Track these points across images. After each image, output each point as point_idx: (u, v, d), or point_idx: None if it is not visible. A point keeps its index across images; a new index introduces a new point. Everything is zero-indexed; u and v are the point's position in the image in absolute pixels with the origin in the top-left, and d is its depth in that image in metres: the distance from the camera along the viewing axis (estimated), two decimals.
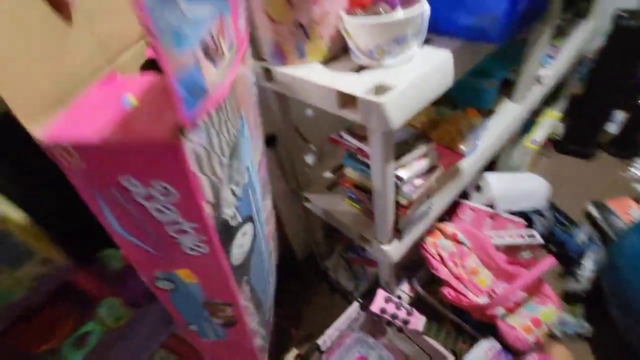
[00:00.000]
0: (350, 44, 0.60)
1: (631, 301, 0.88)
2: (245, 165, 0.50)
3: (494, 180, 1.20)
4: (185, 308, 0.56)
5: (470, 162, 0.98)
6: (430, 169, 0.75)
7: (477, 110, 1.09)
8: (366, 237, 0.84)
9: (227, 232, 0.46)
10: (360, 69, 0.61)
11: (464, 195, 1.28)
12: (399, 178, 0.69)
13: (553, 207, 1.30)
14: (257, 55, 0.72)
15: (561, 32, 1.35)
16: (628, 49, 1.30)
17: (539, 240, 1.11)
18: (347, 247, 1.28)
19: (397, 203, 0.74)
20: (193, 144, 0.33)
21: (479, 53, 0.66)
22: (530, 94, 1.15)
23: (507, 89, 1.15)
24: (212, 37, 0.35)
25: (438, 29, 0.65)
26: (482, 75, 1.11)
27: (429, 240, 1.04)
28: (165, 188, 0.36)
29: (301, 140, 1.04)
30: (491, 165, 1.34)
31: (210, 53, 0.35)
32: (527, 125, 1.38)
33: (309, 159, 1.13)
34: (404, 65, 0.59)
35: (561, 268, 1.19)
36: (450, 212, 1.21)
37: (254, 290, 0.62)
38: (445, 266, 1.01)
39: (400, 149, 0.72)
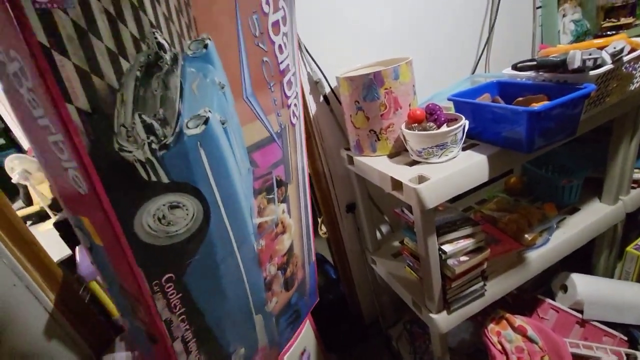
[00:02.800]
0: (407, 146, 0.84)
1: None
2: (195, 112, 0.36)
3: (582, 283, 1.12)
4: (110, 288, 0.43)
5: (539, 255, 1.00)
6: (476, 250, 0.85)
7: (555, 205, 1.12)
8: (418, 304, 0.95)
9: (130, 184, 0.32)
10: (413, 163, 0.83)
11: (550, 294, 1.21)
12: (442, 251, 0.83)
13: None
14: (345, 146, 1.03)
15: None
16: None
17: None
18: (413, 321, 1.33)
19: (444, 275, 0.86)
20: None
21: (515, 159, 0.79)
22: (626, 197, 1.10)
23: (596, 188, 1.14)
24: None
25: (482, 137, 0.83)
26: (562, 172, 1.16)
27: (493, 327, 1.04)
28: (10, 55, 0.26)
29: (377, 211, 1.25)
30: (588, 268, 1.24)
31: None
32: (635, 229, 1.25)
33: (384, 228, 1.32)
34: (446, 163, 0.78)
35: None
36: (530, 308, 1.16)
37: (199, 311, 0.41)
38: (508, 359, 0.98)
39: (449, 227, 0.86)
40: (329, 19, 0.99)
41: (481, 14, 1.20)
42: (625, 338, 1.04)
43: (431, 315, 0.90)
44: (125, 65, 0.28)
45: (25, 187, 2.76)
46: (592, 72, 0.72)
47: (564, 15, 1.31)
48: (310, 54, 0.98)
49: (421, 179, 0.74)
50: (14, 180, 2.46)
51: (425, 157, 0.80)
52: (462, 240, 0.85)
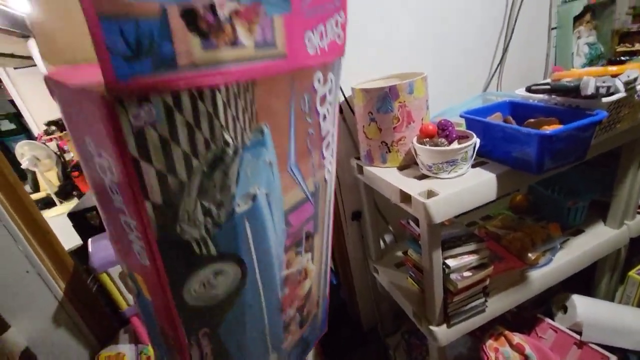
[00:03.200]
0: (417, 160, 0.86)
1: None
2: (245, 191, 0.39)
3: (582, 304, 1.12)
4: (149, 326, 0.48)
5: (541, 275, 1.01)
6: (480, 266, 0.86)
7: (560, 226, 1.13)
8: (418, 315, 0.96)
9: (184, 258, 0.37)
10: (422, 177, 0.85)
11: (549, 313, 1.22)
12: (446, 265, 0.84)
13: None
14: (356, 156, 1.05)
15: None
16: None
17: None
18: (411, 331, 1.34)
19: (446, 289, 0.87)
20: (134, 118, 0.26)
21: (523, 179, 0.80)
22: (631, 222, 1.11)
23: (602, 211, 1.15)
24: (215, 11, 0.29)
25: (492, 156, 0.85)
26: (568, 194, 1.17)
27: (491, 343, 1.05)
28: (100, 154, 0.30)
29: (382, 220, 1.26)
30: (589, 290, 1.25)
31: (200, 25, 0.28)
32: (638, 254, 1.26)
33: (387, 238, 1.33)
34: (455, 179, 0.80)
35: None
36: (529, 326, 1.17)
37: (227, 356, 0.47)
38: None
39: (454, 242, 0.87)
40: (349, 29, 1.01)
41: (496, 33, 1.21)
42: None
43: (431, 327, 0.91)
44: (195, 163, 0.32)
45: (34, 173, 2.80)
46: (604, 99, 0.73)
47: (578, 38, 1.33)
48: None
49: (430, 194, 0.75)
50: (23, 166, 2.49)
51: (434, 172, 0.82)
52: (466, 256, 0.86)
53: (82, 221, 1.08)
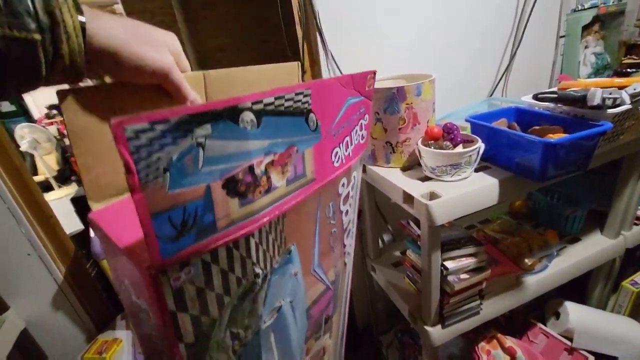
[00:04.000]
0: (421, 162, 0.86)
1: None
2: (271, 307, 0.40)
3: (575, 312, 1.14)
4: None
5: (536, 280, 1.02)
6: (477, 269, 0.88)
7: (557, 233, 1.14)
8: (414, 315, 0.98)
9: None
10: (425, 179, 0.86)
11: (542, 319, 1.23)
12: (444, 267, 0.85)
13: None
14: None
15: None
16: None
17: None
18: (404, 330, 1.36)
19: (443, 290, 0.88)
20: (174, 281, 0.27)
21: (525, 186, 0.81)
22: (628, 233, 1.12)
23: (600, 221, 1.16)
24: (253, 171, 0.29)
25: (496, 161, 0.86)
26: (567, 202, 1.18)
27: (483, 345, 1.07)
28: (138, 297, 0.32)
29: (382, 220, 1.27)
30: (582, 297, 1.26)
31: (239, 189, 0.28)
32: (634, 264, 1.27)
33: (386, 237, 1.34)
34: (457, 182, 0.80)
35: None
36: (522, 330, 1.19)
37: None
38: None
39: (453, 245, 0.88)
40: (360, 28, 1.01)
41: (505, 38, 1.22)
42: None
43: (426, 327, 0.92)
44: (227, 300, 0.33)
45: (32, 156, 2.79)
46: (610, 110, 0.74)
47: (585, 47, 1.33)
48: (336, 61, 1.00)
49: (433, 196, 0.76)
50: (22, 149, 2.48)
51: (438, 175, 0.82)
52: (464, 259, 0.87)
53: (86, 206, 1.08)
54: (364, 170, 1.02)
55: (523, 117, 0.93)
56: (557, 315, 1.18)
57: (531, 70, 1.31)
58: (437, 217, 0.74)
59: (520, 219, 1.26)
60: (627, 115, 0.81)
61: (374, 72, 0.48)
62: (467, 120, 0.92)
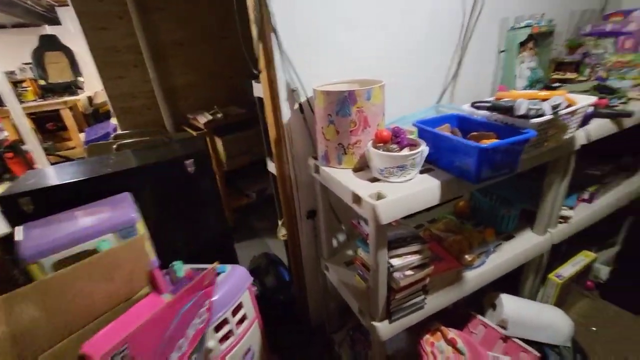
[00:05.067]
0: (370, 164, 0.89)
1: None
2: None
3: (509, 303, 1.25)
4: None
5: (475, 275, 1.10)
6: (421, 265, 0.93)
7: (495, 231, 1.24)
8: (363, 311, 1.01)
9: None
10: (374, 180, 0.89)
11: (481, 310, 1.33)
12: (390, 264, 0.89)
13: (578, 349, 1.24)
14: (314, 156, 1.07)
15: (600, 182, 1.46)
16: None
17: None
18: (356, 327, 1.39)
19: (390, 286, 0.92)
20: None
21: (464, 187, 0.88)
22: (553, 230, 1.25)
23: (530, 219, 1.28)
24: None
25: (438, 164, 0.91)
26: (503, 202, 1.28)
27: (428, 338, 1.13)
28: None
29: (336, 220, 1.30)
30: (515, 289, 1.38)
31: None
32: (559, 259, 1.42)
33: (340, 237, 1.37)
34: (403, 184, 0.85)
35: None
36: (463, 322, 1.27)
37: None
38: None
39: (399, 243, 0.93)
40: (315, 33, 1.02)
41: (451, 50, 1.30)
42: (539, 355, 1.17)
43: (374, 323, 0.96)
44: None
45: None
46: (533, 120, 0.82)
47: (522, 62, 1.46)
48: (292, 63, 1.01)
49: (379, 196, 0.79)
50: None
51: (385, 176, 0.86)
52: (409, 256, 0.92)
53: (13, 206, 0.98)
54: (318, 171, 1.04)
55: (464, 124, 1.00)
56: (494, 307, 1.29)
57: (476, 81, 1.42)
58: (383, 216, 0.77)
59: (463, 219, 1.35)
60: (549, 125, 0.90)
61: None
62: (414, 125, 0.97)
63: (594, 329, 1.40)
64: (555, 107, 0.85)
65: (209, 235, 1.37)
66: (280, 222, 1.34)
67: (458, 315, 1.27)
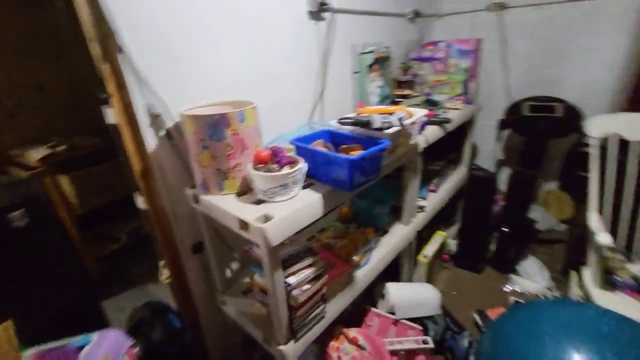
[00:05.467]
0: (253, 186, 0.88)
1: None
2: None
3: (394, 289, 1.42)
4: None
5: (364, 272, 1.21)
6: (317, 277, 0.96)
7: (374, 229, 1.39)
8: (267, 338, 0.97)
9: None
10: (260, 202, 0.88)
11: (374, 303, 1.46)
12: (287, 283, 0.89)
13: (446, 314, 1.51)
14: (191, 185, 0.98)
15: (440, 174, 1.83)
16: (480, 191, 1.78)
17: (431, 345, 1.27)
18: (264, 356, 1.33)
19: (290, 305, 0.91)
20: None
21: (343, 196, 0.96)
22: (415, 219, 1.49)
23: (398, 213, 1.49)
24: None
25: (318, 178, 0.97)
26: (377, 202, 1.46)
27: (333, 344, 1.17)
28: None
29: (226, 248, 1.22)
30: (397, 276, 1.58)
31: None
32: (421, 242, 1.70)
33: (234, 266, 1.30)
34: (288, 201, 0.86)
35: None
36: (361, 318, 1.37)
37: None
38: None
39: (293, 260, 0.94)
40: (175, 53, 0.95)
41: (315, 71, 1.42)
42: (421, 328, 1.37)
43: (280, 347, 0.93)
44: None
45: None
46: (387, 131, 0.97)
47: (372, 81, 1.72)
48: (150, 85, 0.90)
49: (267, 218, 0.78)
50: None
51: (270, 196, 0.86)
52: (304, 270, 0.94)
53: None
54: (197, 201, 0.95)
55: (335, 138, 1.10)
56: (383, 296, 1.44)
57: (340, 98, 1.59)
58: (273, 238, 0.76)
59: (348, 223, 1.47)
60: (399, 134, 1.08)
61: None
62: (291, 143, 1.01)
63: (454, 292, 1.73)
64: (400, 119, 1.02)
65: (65, 297, 1.08)
66: (161, 263, 1.17)
67: (357, 314, 1.37)
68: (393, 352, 1.22)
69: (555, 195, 2.10)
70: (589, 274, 1.30)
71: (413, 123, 1.13)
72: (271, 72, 1.23)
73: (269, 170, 0.86)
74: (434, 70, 1.87)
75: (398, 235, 1.41)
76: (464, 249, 1.93)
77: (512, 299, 1.64)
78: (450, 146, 2.00)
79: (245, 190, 0.93)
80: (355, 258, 1.20)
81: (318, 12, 1.33)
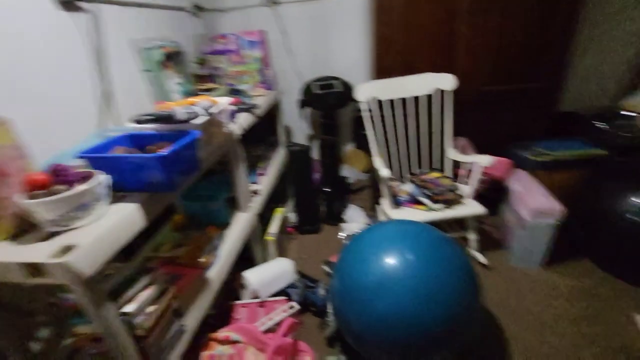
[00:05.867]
0: (35, 220, 0.68)
1: (343, 325, 1.23)
2: None
3: (252, 276, 1.45)
4: None
5: (216, 270, 1.18)
6: (161, 294, 0.87)
7: (215, 226, 1.36)
8: None
9: None
10: (51, 235, 0.69)
11: (237, 296, 1.45)
12: (125, 313, 0.76)
13: (302, 276, 1.68)
14: None
15: (264, 158, 1.96)
16: (299, 163, 2.04)
17: (297, 307, 1.40)
18: None
19: (137, 336, 0.79)
20: None
21: (165, 198, 0.89)
22: (252, 204, 1.55)
23: (235, 203, 1.51)
24: None
25: (127, 188, 0.85)
26: (209, 199, 1.42)
27: (205, 354, 1.10)
28: None
29: (15, 316, 0.91)
30: (253, 263, 1.62)
31: None
32: (266, 222, 1.80)
33: (45, 332, 0.99)
34: (94, 223, 0.72)
35: (320, 321, 1.51)
36: (226, 317, 1.33)
37: None
38: None
39: (124, 286, 0.80)
40: None
41: (90, 73, 1.19)
42: (285, 298, 1.48)
43: None
44: None
45: None
46: (193, 121, 0.95)
47: (169, 78, 1.61)
48: None
49: (67, 249, 0.63)
50: None
51: (65, 224, 0.69)
52: (143, 292, 0.83)
53: None
54: None
55: (139, 141, 0.98)
56: (244, 286, 1.45)
57: (135, 100, 1.40)
58: (85, 268, 0.63)
59: (184, 230, 1.37)
60: (209, 124, 1.07)
61: None
62: (80, 157, 0.83)
63: (305, 256, 1.94)
64: (207, 109, 1.02)
65: None
66: None
67: (222, 314, 1.33)
68: (268, 330, 1.27)
69: (354, 152, 2.65)
70: (385, 202, 1.74)
71: (221, 111, 1.15)
72: (25, 81, 0.95)
73: (55, 193, 0.68)
74: (232, 62, 1.93)
75: (240, 224, 1.43)
76: (301, 217, 2.16)
77: (346, 242, 1.99)
78: (267, 131, 2.15)
79: (23, 231, 0.71)
80: (202, 260, 1.15)
81: (70, 2, 1.11)
